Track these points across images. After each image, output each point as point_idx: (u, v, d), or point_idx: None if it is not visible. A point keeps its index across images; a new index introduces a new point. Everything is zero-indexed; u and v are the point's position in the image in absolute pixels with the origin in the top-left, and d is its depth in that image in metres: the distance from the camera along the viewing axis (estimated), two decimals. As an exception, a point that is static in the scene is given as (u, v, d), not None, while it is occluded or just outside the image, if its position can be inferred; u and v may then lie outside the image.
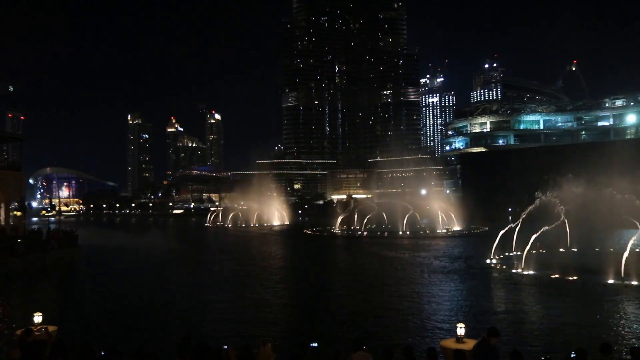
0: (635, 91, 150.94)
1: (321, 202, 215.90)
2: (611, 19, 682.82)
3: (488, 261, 41.52)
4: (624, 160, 75.75)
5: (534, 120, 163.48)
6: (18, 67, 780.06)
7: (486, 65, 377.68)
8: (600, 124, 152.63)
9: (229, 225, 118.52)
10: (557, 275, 33.16)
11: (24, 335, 11.90)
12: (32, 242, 45.00)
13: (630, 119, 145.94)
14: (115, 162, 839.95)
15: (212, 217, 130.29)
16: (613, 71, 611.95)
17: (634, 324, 22.18)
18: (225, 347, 10.75)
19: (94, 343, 11.23)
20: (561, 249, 45.41)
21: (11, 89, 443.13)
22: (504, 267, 38.36)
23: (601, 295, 27.88)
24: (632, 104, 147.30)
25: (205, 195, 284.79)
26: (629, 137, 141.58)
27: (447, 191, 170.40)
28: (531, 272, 35.09)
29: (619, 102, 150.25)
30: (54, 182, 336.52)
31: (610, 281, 30.65)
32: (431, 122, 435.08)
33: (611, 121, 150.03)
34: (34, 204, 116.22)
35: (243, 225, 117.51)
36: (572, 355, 10.34)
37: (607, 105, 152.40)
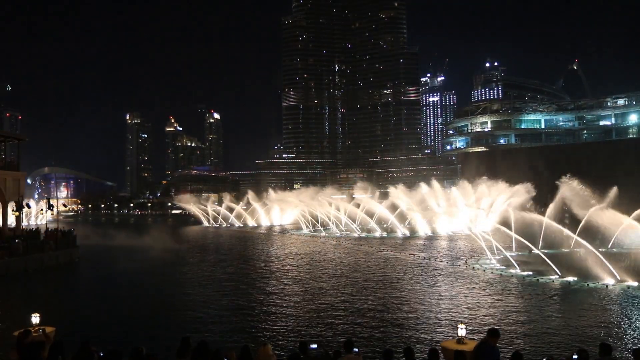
0: (638, 90, 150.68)
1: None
2: (613, 17, 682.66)
3: (488, 261, 41.44)
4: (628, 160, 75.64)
5: (535, 119, 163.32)
6: (15, 66, 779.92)
7: (487, 64, 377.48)
8: (602, 123, 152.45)
9: (228, 225, 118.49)
10: (558, 276, 33.04)
11: (22, 337, 11.79)
12: (30, 242, 44.89)
13: (633, 118, 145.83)
14: (113, 161, 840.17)
15: (208, 217, 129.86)
16: (615, 70, 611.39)
17: (635, 325, 22.06)
18: (227, 359, 10.63)
19: (93, 344, 11.13)
20: (563, 249, 45.29)
21: (9, 88, 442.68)
22: (503, 267, 38.26)
23: (603, 296, 27.76)
24: (634, 103, 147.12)
25: (204, 195, 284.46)
26: (631, 136, 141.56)
27: (448, 191, 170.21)
28: (530, 273, 34.98)
29: (620, 101, 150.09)
30: (52, 181, 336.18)
31: (612, 282, 30.54)
32: (432, 121, 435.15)
33: (613, 120, 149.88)
34: (32, 204, 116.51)
35: (242, 225, 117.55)
36: (574, 357, 10.25)
37: (608, 104, 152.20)
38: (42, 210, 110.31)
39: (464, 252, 51.31)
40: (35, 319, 13.78)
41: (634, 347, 10.03)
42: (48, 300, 30.56)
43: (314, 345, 11.95)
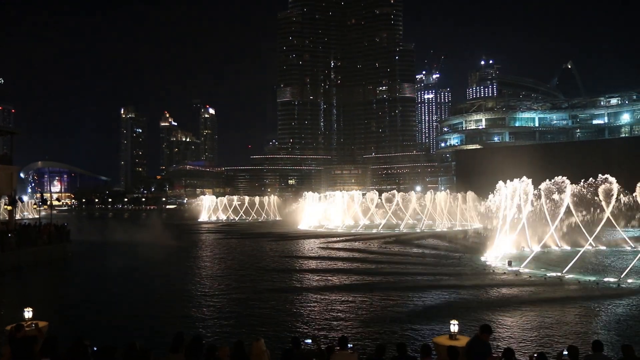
0: (630, 90, 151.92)
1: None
2: (607, 17, 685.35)
3: (483, 258, 41.58)
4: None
5: (529, 117, 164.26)
6: (9, 59, 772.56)
7: (482, 62, 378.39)
8: (595, 122, 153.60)
9: (223, 220, 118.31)
10: (552, 273, 33.25)
11: (14, 331, 11.73)
12: (23, 236, 44.59)
13: (625, 117, 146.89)
14: (108, 156, 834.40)
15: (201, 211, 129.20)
16: (608, 70, 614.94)
17: (629, 322, 22.20)
18: (220, 354, 10.63)
19: (86, 339, 11.10)
20: (555, 247, 45.59)
21: (1, 81, 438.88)
22: (500, 264, 38.42)
23: (598, 294, 27.90)
24: (626, 102, 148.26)
25: (198, 190, 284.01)
26: (623, 135, 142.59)
27: (442, 188, 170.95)
28: (527, 270, 35.14)
29: (614, 101, 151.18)
30: (46, 176, 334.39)
31: (606, 279, 30.76)
32: (426, 118, 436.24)
33: (606, 119, 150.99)
34: (25, 198, 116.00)
35: (236, 219, 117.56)
36: (565, 353, 10.35)
37: (602, 103, 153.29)
38: (35, 204, 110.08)
39: (460, 248, 51.40)
40: (28, 313, 13.72)
41: (623, 344, 10.17)
42: (41, 295, 30.42)
43: (309, 340, 11.97)
